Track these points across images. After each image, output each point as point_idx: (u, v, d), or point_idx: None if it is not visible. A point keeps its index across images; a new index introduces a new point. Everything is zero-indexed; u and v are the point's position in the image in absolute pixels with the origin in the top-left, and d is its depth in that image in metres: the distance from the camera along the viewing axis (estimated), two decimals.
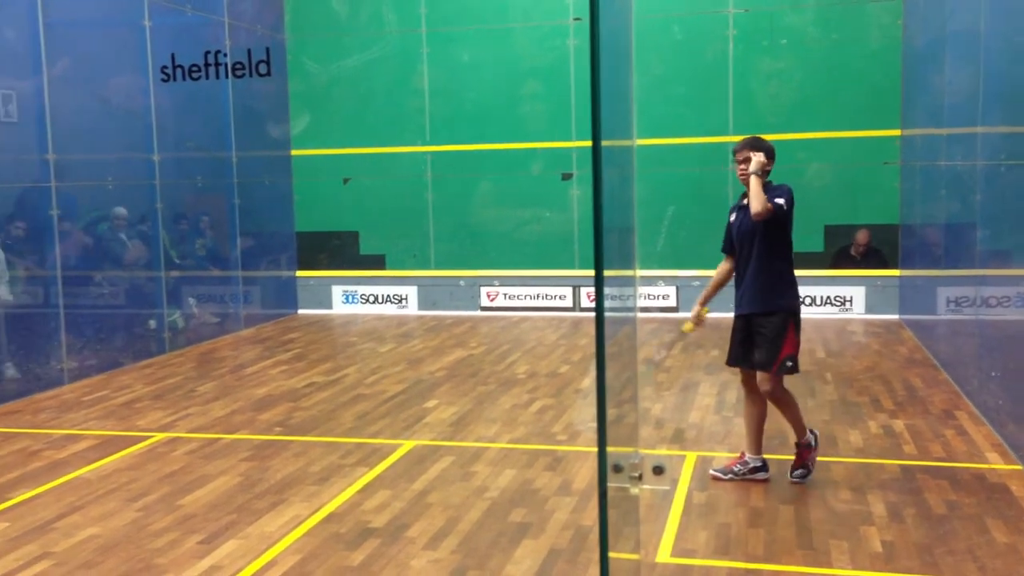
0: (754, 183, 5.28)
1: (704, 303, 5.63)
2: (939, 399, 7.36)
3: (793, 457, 5.59)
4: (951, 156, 8.19)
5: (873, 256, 11.38)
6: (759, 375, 5.42)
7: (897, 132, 11.16)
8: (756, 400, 5.56)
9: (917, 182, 10.17)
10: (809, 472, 5.51)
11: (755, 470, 5.57)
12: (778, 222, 5.30)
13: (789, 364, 5.35)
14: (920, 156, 10.02)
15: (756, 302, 5.39)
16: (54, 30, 8.64)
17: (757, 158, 5.34)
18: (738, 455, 5.69)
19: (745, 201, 5.43)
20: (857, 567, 4.39)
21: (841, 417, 6.91)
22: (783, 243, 5.40)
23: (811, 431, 5.59)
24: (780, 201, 5.27)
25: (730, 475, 5.58)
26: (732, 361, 5.60)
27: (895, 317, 11.15)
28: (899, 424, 6.69)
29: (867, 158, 11.32)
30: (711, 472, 5.67)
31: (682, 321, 5.60)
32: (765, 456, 5.64)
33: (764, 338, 5.36)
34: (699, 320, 5.61)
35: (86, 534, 5.01)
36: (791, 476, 5.49)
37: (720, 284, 5.65)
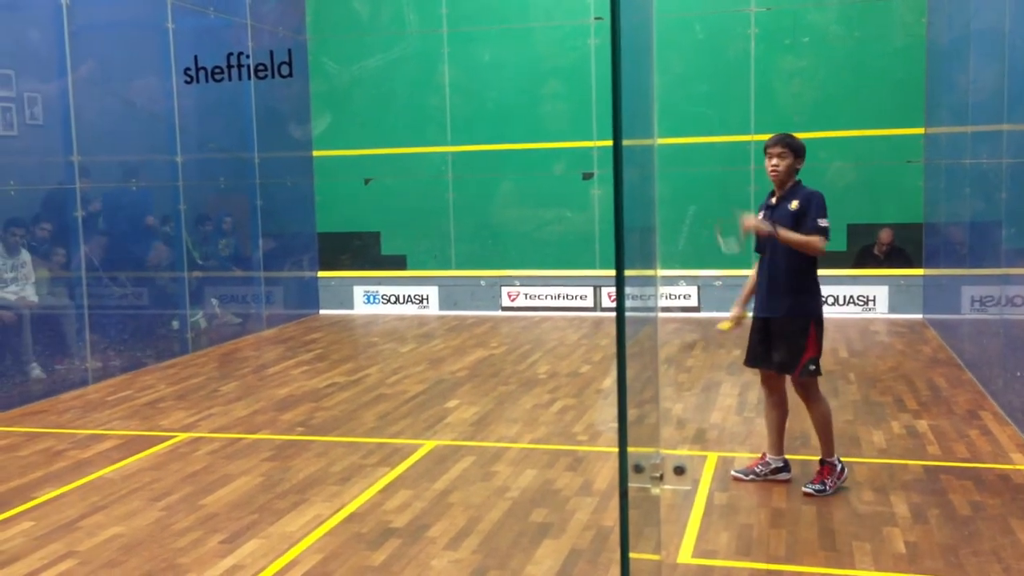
0: (786, 236, 5.20)
1: (743, 304, 5.56)
2: (963, 399, 7.29)
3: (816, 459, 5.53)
4: (976, 154, 8.11)
5: (896, 255, 11.28)
6: (788, 380, 5.39)
7: (921, 130, 11.06)
8: (776, 401, 5.52)
9: (941, 180, 10.07)
10: (825, 490, 5.29)
11: (776, 471, 5.54)
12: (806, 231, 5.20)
13: (812, 368, 5.28)
14: (944, 154, 9.93)
15: (777, 305, 5.33)
16: (78, 33, 8.73)
17: (756, 223, 5.30)
18: (759, 456, 5.66)
19: (773, 200, 5.38)
20: (880, 568, 4.36)
21: (864, 417, 6.86)
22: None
23: (839, 460, 5.43)
24: (826, 224, 5.18)
25: (751, 476, 5.55)
26: (751, 361, 5.55)
27: (919, 316, 11.06)
28: (923, 424, 6.63)
29: (890, 156, 11.23)
30: (732, 473, 5.64)
31: (716, 320, 5.56)
32: (787, 456, 5.60)
33: (784, 341, 5.30)
34: (738, 322, 5.54)
35: (110, 533, 5.06)
36: (804, 486, 5.34)
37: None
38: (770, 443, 5.58)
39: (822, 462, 5.37)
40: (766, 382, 5.55)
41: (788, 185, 5.32)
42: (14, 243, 8.22)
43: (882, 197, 11.32)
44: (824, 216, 5.18)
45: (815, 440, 5.57)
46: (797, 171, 5.33)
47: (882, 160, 11.28)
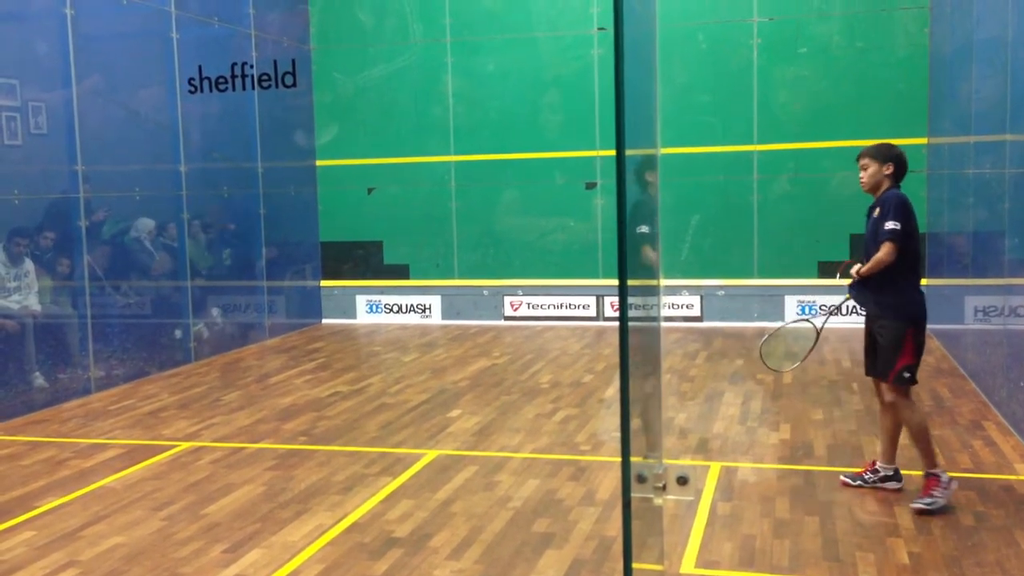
0: (864, 271, 5.23)
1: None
2: (967, 409, 7.27)
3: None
4: (979, 164, 8.11)
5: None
6: (883, 386, 5.30)
7: (924, 140, 11.07)
8: (887, 409, 5.40)
9: (944, 190, 10.07)
10: (935, 503, 5.08)
11: (886, 479, 5.44)
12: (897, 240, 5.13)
13: (906, 375, 5.16)
14: (947, 164, 9.93)
15: (876, 308, 5.29)
16: (83, 43, 8.76)
17: (862, 273, 5.28)
18: (869, 463, 5.58)
19: (876, 214, 5.27)
20: None
21: (868, 427, 6.85)
22: (902, 254, 5.17)
23: (896, 471, 5.39)
24: (893, 226, 5.09)
25: (859, 482, 5.48)
26: (866, 371, 5.49)
27: None
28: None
29: None
30: (841, 478, 5.56)
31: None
32: (858, 470, 5.53)
33: (881, 346, 5.25)
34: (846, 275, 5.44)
35: (112, 543, 5.05)
36: (913, 502, 5.17)
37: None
38: (881, 450, 5.49)
39: (927, 475, 5.21)
40: (876, 388, 5.50)
41: (879, 192, 5.30)
42: (18, 252, 8.23)
43: None
44: (894, 218, 5.09)
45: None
46: (890, 177, 5.27)
47: None
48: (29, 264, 8.34)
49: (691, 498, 5.37)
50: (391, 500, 5.58)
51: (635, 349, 2.42)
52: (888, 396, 5.27)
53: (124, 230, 9.65)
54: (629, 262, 2.32)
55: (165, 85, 9.98)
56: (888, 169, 5.26)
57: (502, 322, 12.29)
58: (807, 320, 5.81)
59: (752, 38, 11.49)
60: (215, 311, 10.97)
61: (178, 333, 10.22)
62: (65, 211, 8.73)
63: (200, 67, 9.62)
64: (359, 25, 12.67)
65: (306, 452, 6.65)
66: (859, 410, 7.35)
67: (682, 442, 6.63)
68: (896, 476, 5.46)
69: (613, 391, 8.23)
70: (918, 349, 5.22)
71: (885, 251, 5.10)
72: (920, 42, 11.09)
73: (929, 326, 11.31)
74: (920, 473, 5.32)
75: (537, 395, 8.17)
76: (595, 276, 12.04)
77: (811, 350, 5.66)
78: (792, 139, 11.47)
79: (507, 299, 12.36)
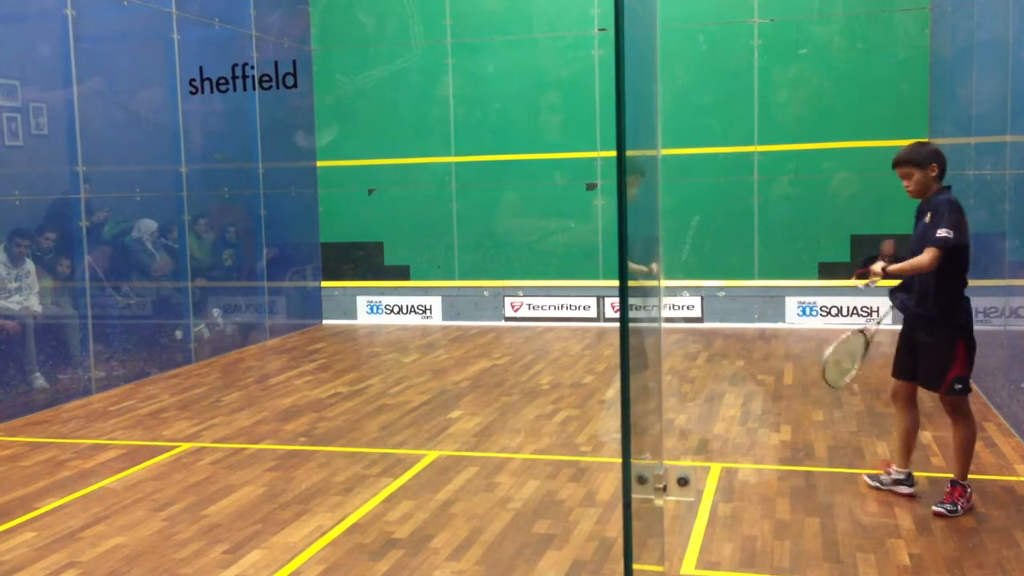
0: (895, 271, 5.06)
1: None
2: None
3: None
4: (979, 165, 8.11)
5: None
6: (940, 398, 5.19)
7: (924, 141, 11.05)
8: (906, 413, 5.36)
9: None
10: (956, 511, 5.05)
11: (896, 483, 5.39)
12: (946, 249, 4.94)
13: (958, 386, 5.03)
14: (948, 165, 9.91)
15: (920, 323, 5.14)
16: (84, 44, 8.77)
17: (874, 273, 5.11)
18: (885, 464, 5.57)
19: (927, 218, 5.09)
20: None
21: (868, 428, 6.85)
22: (951, 263, 4.98)
23: (909, 475, 5.35)
24: (945, 235, 4.85)
25: (875, 484, 5.45)
26: (896, 373, 5.34)
27: None
28: (927, 436, 6.61)
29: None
30: (864, 478, 5.55)
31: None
32: (909, 469, 5.48)
33: (929, 355, 5.11)
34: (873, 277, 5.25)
35: (112, 543, 5.05)
36: (935, 505, 5.13)
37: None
38: (897, 454, 5.43)
39: (954, 483, 5.17)
40: (898, 394, 5.37)
41: (928, 196, 5.11)
42: (18, 253, 8.24)
43: (885, 208, 11.31)
44: (947, 225, 4.86)
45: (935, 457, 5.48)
46: (936, 179, 5.09)
47: (885, 171, 11.20)
48: (30, 265, 8.35)
49: (692, 499, 5.37)
50: (391, 501, 5.58)
51: (636, 350, 2.42)
52: (946, 407, 5.15)
53: (125, 231, 9.65)
54: (630, 263, 2.32)
55: (166, 86, 9.99)
56: (933, 171, 5.07)
57: (503, 323, 12.29)
58: (857, 331, 5.64)
59: (753, 39, 11.50)
60: (216, 312, 10.97)
61: (179, 334, 10.22)
62: (66, 212, 8.74)
63: (201, 68, 9.62)
64: (360, 26, 12.67)
65: (306, 453, 6.65)
66: (860, 411, 7.35)
67: (683, 443, 6.63)
68: (909, 480, 5.39)
69: (614, 392, 8.22)
70: (970, 358, 5.07)
71: (929, 257, 4.87)
72: (921, 43, 11.09)
73: None
74: (937, 477, 5.32)
75: (538, 396, 8.17)
76: (595, 277, 12.04)
77: (863, 358, 5.55)
78: (793, 140, 11.48)
79: (508, 300, 12.37)
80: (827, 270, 11.39)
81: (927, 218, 5.02)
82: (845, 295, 11.27)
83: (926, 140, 5.20)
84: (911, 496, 5.36)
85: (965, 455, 5.15)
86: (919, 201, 5.20)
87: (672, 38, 11.44)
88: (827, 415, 7.26)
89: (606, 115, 11.85)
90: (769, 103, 11.51)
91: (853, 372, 5.52)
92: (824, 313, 11.29)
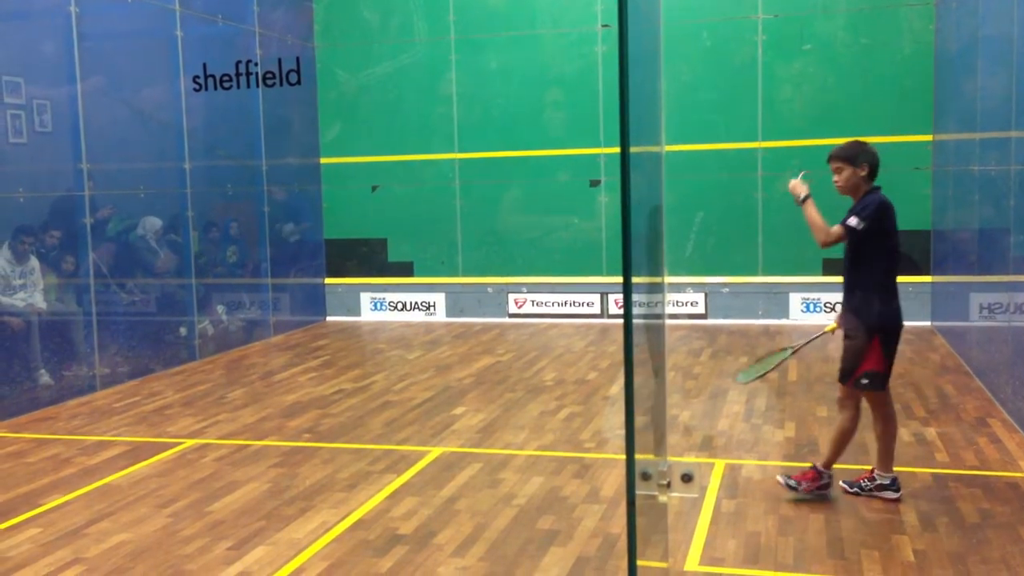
0: (807, 211, 5.14)
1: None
2: (972, 406, 7.26)
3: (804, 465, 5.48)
4: (984, 161, 8.09)
5: (904, 262, 11.24)
6: (863, 393, 5.24)
7: (929, 137, 11.05)
8: (875, 415, 5.33)
9: (949, 187, 10.05)
10: (796, 488, 5.25)
11: (881, 488, 5.32)
12: (856, 241, 5.06)
13: (864, 381, 5.12)
14: (952, 161, 9.91)
15: (845, 317, 5.23)
16: (87, 41, 8.77)
17: (797, 186, 5.18)
18: (869, 470, 5.47)
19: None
20: None
21: (872, 425, 6.82)
22: (870, 259, 5.10)
23: (828, 475, 5.33)
24: (851, 222, 5.01)
25: (855, 489, 5.39)
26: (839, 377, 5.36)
27: (927, 324, 11.02)
28: (931, 432, 6.61)
29: (898, 163, 11.20)
30: (840, 484, 5.47)
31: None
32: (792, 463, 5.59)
33: (847, 348, 5.19)
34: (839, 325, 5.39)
35: (117, 540, 5.06)
36: (779, 476, 5.34)
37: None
38: (878, 458, 5.37)
39: (874, 471, 5.29)
40: (845, 397, 5.34)
41: (858, 195, 5.16)
42: (23, 250, 8.25)
43: None
44: (858, 215, 5.00)
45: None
46: (867, 178, 5.13)
47: (890, 167, 11.17)
48: (34, 262, 8.36)
49: (696, 495, 5.37)
50: (395, 497, 5.59)
51: (639, 346, 2.42)
52: (868, 402, 5.23)
53: (129, 228, 9.66)
54: (633, 259, 2.32)
55: (170, 83, 9.99)
56: (863, 171, 5.13)
57: (506, 319, 12.29)
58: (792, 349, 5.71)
59: (757, 35, 11.47)
60: (220, 309, 10.99)
61: (183, 331, 10.24)
62: (70, 209, 8.75)
63: (204, 65, 9.61)
64: (363, 23, 12.67)
65: (310, 449, 6.66)
66: (864, 407, 7.32)
67: (687, 439, 6.63)
68: (894, 485, 5.31)
69: (617, 388, 8.22)
70: (886, 356, 5.11)
71: (831, 234, 5.03)
72: (925, 39, 11.06)
73: (935, 323, 11.33)
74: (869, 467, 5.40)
75: (541, 392, 8.17)
76: (599, 273, 12.04)
77: (773, 367, 5.63)
78: (797, 136, 11.46)
79: (511, 296, 12.37)
80: (831, 266, 11.37)
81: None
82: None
83: (865, 140, 5.27)
84: (898, 500, 5.27)
85: (887, 448, 5.25)
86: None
87: (676, 34, 11.42)
88: (831, 411, 7.24)
89: (610, 111, 11.84)
90: (773, 99, 11.49)
91: (754, 374, 5.63)
92: (828, 309, 11.28)
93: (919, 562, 4.48)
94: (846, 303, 5.24)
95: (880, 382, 5.15)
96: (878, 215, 5.05)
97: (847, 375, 5.19)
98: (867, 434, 6.60)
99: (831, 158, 5.18)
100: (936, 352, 9.52)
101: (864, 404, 5.31)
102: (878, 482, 5.34)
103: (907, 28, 11.16)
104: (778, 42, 11.44)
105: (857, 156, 5.11)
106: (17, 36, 8.38)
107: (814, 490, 5.30)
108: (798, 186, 5.26)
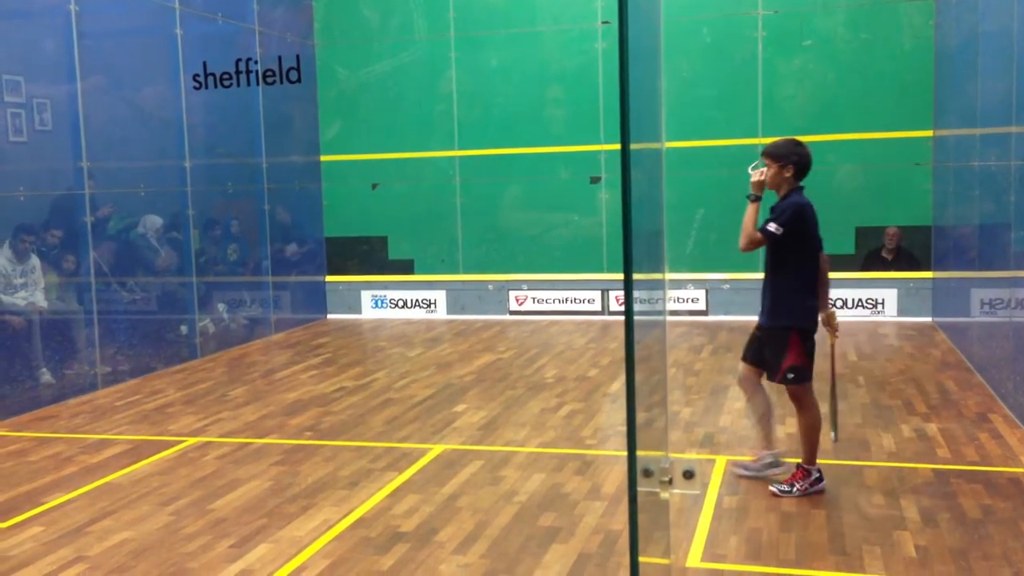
0: (749, 211, 5.29)
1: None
2: (973, 402, 7.26)
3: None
4: (985, 156, 8.09)
5: (905, 258, 11.26)
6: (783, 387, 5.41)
7: (929, 133, 11.04)
8: (756, 398, 5.58)
9: (950, 183, 10.05)
10: (791, 492, 5.31)
11: (768, 467, 5.58)
12: (775, 244, 5.27)
13: (790, 376, 5.27)
14: (953, 157, 9.91)
15: (763, 316, 5.42)
16: (87, 40, 8.77)
17: (756, 176, 5.30)
18: (755, 456, 5.70)
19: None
20: (891, 572, 4.34)
21: (874, 421, 6.84)
22: (788, 261, 5.29)
23: (818, 471, 5.43)
24: (771, 228, 5.19)
25: (747, 473, 5.62)
26: (744, 356, 5.61)
27: (928, 319, 11.02)
28: (932, 428, 6.61)
29: (898, 159, 11.21)
30: (735, 469, 5.71)
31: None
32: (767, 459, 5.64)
33: (768, 346, 5.38)
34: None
35: (119, 538, 5.07)
36: (772, 485, 5.40)
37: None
38: (759, 437, 5.66)
39: (799, 466, 5.40)
40: (746, 377, 5.59)
41: (783, 195, 5.32)
42: (24, 249, 8.25)
43: (890, 200, 11.29)
44: (778, 221, 5.16)
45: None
46: (791, 179, 5.27)
47: (890, 163, 11.25)
48: (35, 260, 8.36)
49: (697, 492, 5.38)
50: (397, 495, 5.59)
51: (640, 343, 2.42)
52: (789, 396, 5.37)
53: (130, 226, 9.67)
54: (634, 256, 2.32)
55: (169, 81, 9.99)
56: (788, 171, 5.24)
57: (507, 316, 12.29)
58: None
59: (757, 31, 11.46)
60: (220, 307, 10.99)
61: (184, 329, 10.24)
62: (70, 207, 8.75)
63: (204, 63, 9.60)
64: (363, 21, 12.66)
65: (312, 447, 6.67)
66: (865, 403, 7.34)
67: (688, 436, 6.63)
68: (776, 463, 5.57)
69: (618, 385, 8.22)
70: (806, 351, 5.26)
71: (753, 239, 5.21)
72: (925, 34, 11.05)
73: (936, 319, 11.34)
74: (798, 460, 5.46)
75: (542, 390, 8.18)
76: (600, 270, 12.03)
77: None
78: (797, 132, 11.35)
79: (512, 294, 12.37)
80: (832, 262, 11.36)
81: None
82: (850, 287, 11.25)
83: (802, 141, 5.43)
84: (775, 476, 5.49)
85: (808, 441, 5.35)
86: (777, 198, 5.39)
87: (676, 30, 11.40)
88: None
89: (610, 108, 11.84)
90: (773, 95, 11.48)
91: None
92: (836, 306, 11.26)
93: (921, 558, 4.48)
94: (765, 302, 5.40)
95: (803, 376, 5.29)
96: (795, 219, 5.18)
97: (774, 372, 5.34)
98: (873, 431, 6.60)
99: (763, 154, 5.34)
100: (937, 348, 9.52)
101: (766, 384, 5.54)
102: (766, 461, 5.55)
103: (907, 23, 11.15)
104: (778, 38, 11.43)
105: (787, 156, 5.27)
106: (17, 35, 8.38)
107: (809, 488, 5.34)
108: (758, 183, 5.34)
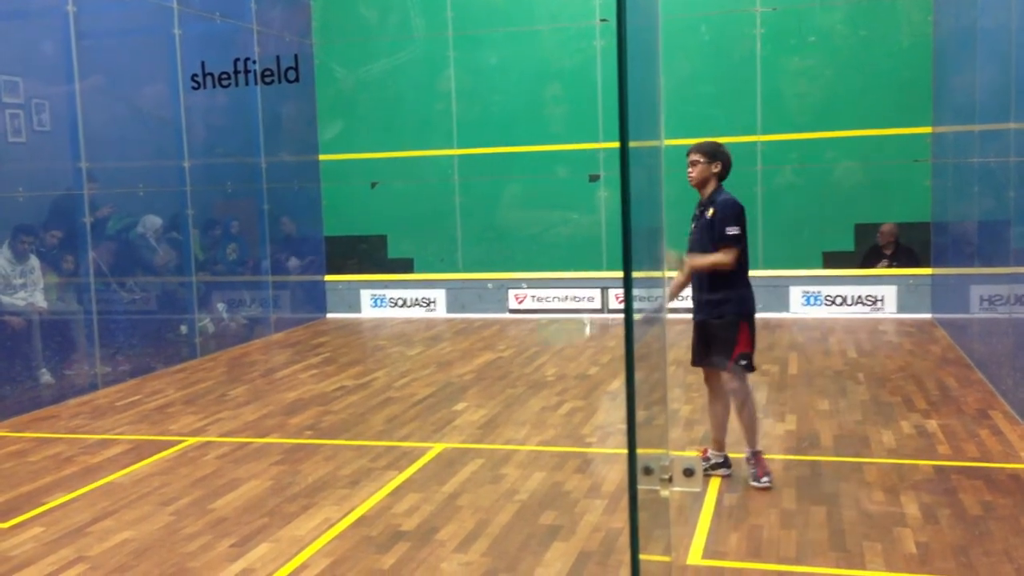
0: (696, 263, 5.45)
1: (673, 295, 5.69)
2: (973, 399, 7.26)
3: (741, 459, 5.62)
4: (984, 153, 8.09)
5: (904, 254, 11.26)
6: (723, 375, 5.54)
7: (928, 129, 11.04)
8: (718, 398, 5.67)
9: (949, 179, 10.05)
10: (771, 478, 5.46)
11: (716, 466, 5.67)
12: (719, 240, 5.41)
13: (743, 362, 5.45)
14: (952, 153, 9.90)
15: (708, 310, 5.51)
16: (85, 40, 8.76)
17: (695, 263, 5.45)
18: (702, 451, 5.76)
19: (709, 214, 5.48)
20: (891, 569, 4.34)
21: (874, 417, 6.84)
22: (740, 254, 5.45)
23: (727, 457, 5.66)
24: (733, 232, 5.36)
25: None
26: (694, 361, 5.71)
27: (927, 316, 11.02)
28: (933, 424, 6.61)
29: (897, 156, 11.20)
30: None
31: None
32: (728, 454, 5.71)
33: (719, 338, 5.49)
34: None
35: (120, 538, 5.07)
36: (754, 481, 5.46)
37: (680, 286, 5.64)
38: (712, 439, 5.73)
39: (755, 453, 5.52)
40: (708, 380, 5.71)
41: (708, 192, 5.50)
42: (23, 249, 8.25)
43: (889, 196, 11.29)
44: (733, 224, 5.36)
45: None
46: (717, 176, 5.50)
47: (889, 159, 11.25)
48: (34, 261, 8.36)
49: (698, 489, 5.37)
50: (398, 493, 5.60)
51: (640, 341, 2.42)
52: (731, 383, 5.50)
53: (129, 226, 9.66)
54: (634, 254, 2.32)
55: (168, 81, 9.98)
56: (716, 168, 5.48)
57: (507, 315, 12.29)
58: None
59: (755, 28, 11.46)
60: (220, 306, 10.99)
61: (184, 329, 10.24)
62: (70, 208, 8.75)
63: (203, 63, 9.61)
64: (361, 20, 12.65)
65: (312, 446, 6.67)
66: (865, 400, 7.34)
67: (688, 433, 6.63)
68: (726, 463, 5.68)
69: (619, 383, 8.23)
70: (753, 339, 5.52)
71: (732, 255, 5.36)
72: (924, 30, 11.05)
73: (935, 315, 11.34)
74: (743, 455, 5.55)
75: (543, 388, 8.18)
76: (599, 268, 12.03)
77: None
78: (796, 129, 11.45)
79: (511, 292, 12.37)
80: (831, 259, 11.37)
81: (709, 213, 5.44)
82: (850, 284, 11.25)
83: (722, 143, 5.69)
84: (729, 477, 5.60)
85: (753, 425, 5.53)
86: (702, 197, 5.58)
87: (674, 28, 11.40)
88: (832, 404, 7.26)
89: (608, 106, 11.83)
90: (772, 92, 11.48)
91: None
92: (828, 302, 11.29)
93: (921, 554, 4.48)
94: (704, 295, 5.51)
95: (751, 362, 5.52)
96: (739, 215, 5.40)
97: (725, 360, 5.47)
98: (873, 428, 6.60)
99: (690, 151, 5.52)
100: (937, 344, 9.52)
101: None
102: (713, 461, 5.65)
103: (905, 20, 11.15)
104: (776, 35, 11.43)
105: (715, 153, 5.50)
106: (15, 35, 8.38)
107: (708, 470, 5.60)
108: (685, 264, 5.50)
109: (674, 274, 5.54)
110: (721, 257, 5.38)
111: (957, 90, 9.54)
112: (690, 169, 5.50)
